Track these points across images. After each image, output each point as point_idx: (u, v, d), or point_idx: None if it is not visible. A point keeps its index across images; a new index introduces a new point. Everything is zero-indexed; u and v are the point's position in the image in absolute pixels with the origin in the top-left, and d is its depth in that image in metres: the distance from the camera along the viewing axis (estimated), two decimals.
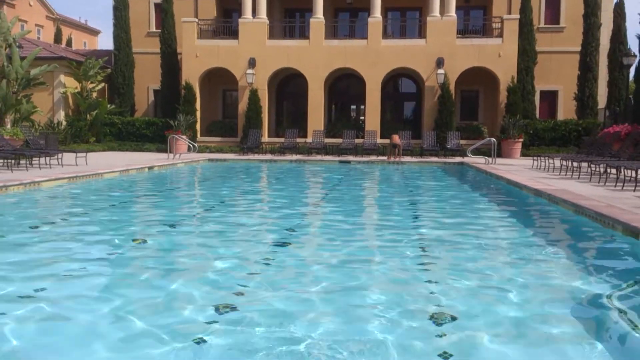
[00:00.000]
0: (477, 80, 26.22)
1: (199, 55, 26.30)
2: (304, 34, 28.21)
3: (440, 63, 24.86)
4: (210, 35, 27.94)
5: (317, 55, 25.70)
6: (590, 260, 6.51)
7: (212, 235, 7.79)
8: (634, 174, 12.12)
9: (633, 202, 9.24)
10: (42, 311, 4.31)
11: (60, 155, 16.58)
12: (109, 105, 27.27)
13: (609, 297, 4.73)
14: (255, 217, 9.61)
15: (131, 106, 28.51)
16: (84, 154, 17.73)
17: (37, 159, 15.84)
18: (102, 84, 28.41)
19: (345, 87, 29.46)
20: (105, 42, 46.00)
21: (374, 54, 25.43)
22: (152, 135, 26.78)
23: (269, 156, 23.48)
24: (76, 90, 27.25)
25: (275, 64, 26.12)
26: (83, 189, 12.43)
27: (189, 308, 4.43)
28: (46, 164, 15.78)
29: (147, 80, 29.43)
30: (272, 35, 27.19)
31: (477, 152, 22.14)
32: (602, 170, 13.63)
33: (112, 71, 28.18)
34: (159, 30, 27.95)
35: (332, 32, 27.69)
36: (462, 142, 24.11)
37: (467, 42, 25.38)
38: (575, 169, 14.86)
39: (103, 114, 26.79)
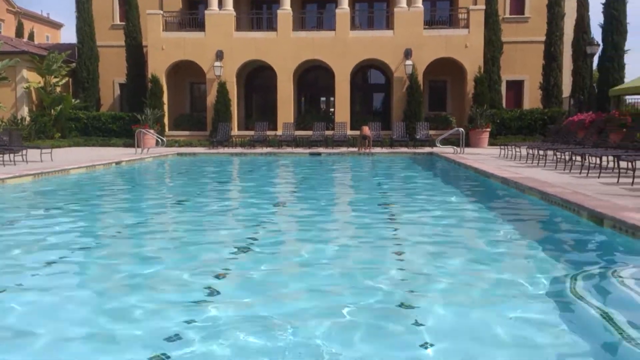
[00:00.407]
0: (445, 70, 26.43)
1: (164, 48, 25.96)
2: (271, 25, 28.05)
3: (408, 54, 24.99)
4: (176, 27, 27.59)
5: (285, 47, 25.59)
6: (555, 245, 6.63)
7: (180, 230, 7.71)
8: (598, 161, 12.37)
9: (597, 189, 9.43)
10: None
11: (24, 151, 16.22)
12: (73, 100, 26.73)
13: (572, 279, 4.82)
14: (225, 211, 9.54)
15: (96, 100, 28.03)
16: (49, 150, 17.37)
17: (1, 155, 15.47)
18: (66, 79, 27.85)
19: (314, 79, 29.42)
20: (69, 35, 45.10)
21: (342, 46, 25.43)
22: (118, 130, 26.37)
23: (239, 149, 23.34)
24: (39, 85, 26.68)
25: (243, 56, 25.93)
26: (48, 185, 12.18)
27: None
28: (10, 161, 15.42)
29: (112, 74, 28.95)
30: (239, 27, 26.98)
31: (446, 142, 22.36)
32: (567, 157, 13.88)
33: (76, 65, 27.64)
34: (124, 23, 27.51)
35: (300, 23, 27.59)
36: (431, 132, 24.30)
37: (435, 33, 25.55)
38: (541, 157, 15.11)
39: (68, 109, 26.27)
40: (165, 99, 26.14)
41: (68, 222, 8.14)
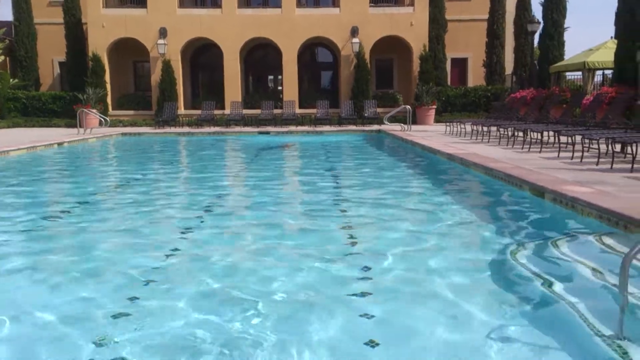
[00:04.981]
0: (391, 49, 26.57)
1: (105, 25, 25.13)
2: (216, 2, 27.49)
3: (354, 32, 25.00)
4: (117, 3, 26.72)
5: (230, 24, 25.18)
6: (498, 218, 6.84)
7: (127, 212, 7.57)
8: (539, 136, 12.75)
9: (539, 163, 9.73)
10: None
11: None
12: (11, 80, 25.65)
13: (513, 252, 4.99)
14: (173, 192, 9.42)
15: (35, 80, 27.00)
16: None
17: None
18: (2, 57, 26.66)
19: (261, 57, 29.08)
20: (5, 13, 43.10)
21: (289, 24, 25.21)
22: (60, 110, 25.51)
23: (186, 129, 22.98)
24: None
25: (188, 34, 25.39)
26: None
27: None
28: None
29: (51, 53, 27.90)
30: (182, 4, 26.33)
31: (394, 119, 22.57)
32: (510, 133, 14.25)
33: (13, 43, 26.49)
34: None
35: (245, 1, 27.16)
36: (379, 110, 24.47)
37: (380, 10, 25.60)
38: (485, 133, 15.46)
39: (6, 89, 25.19)
40: (107, 77, 25.38)
41: (9, 203, 7.87)
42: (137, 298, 4.02)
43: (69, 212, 7.35)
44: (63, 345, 3.34)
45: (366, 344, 3.23)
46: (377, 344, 3.23)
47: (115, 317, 3.66)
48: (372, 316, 3.65)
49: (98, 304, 3.96)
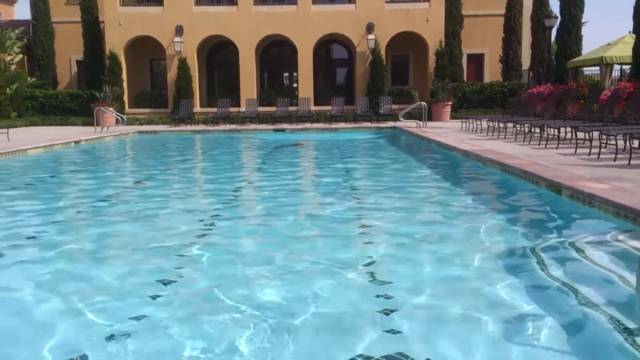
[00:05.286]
0: (407, 45, 26.46)
1: (122, 24, 25.32)
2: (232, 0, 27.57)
3: (370, 28, 24.94)
4: (134, 2, 26.86)
5: (246, 21, 25.24)
6: (515, 215, 6.79)
7: (145, 211, 7.64)
8: (556, 132, 12.64)
9: (556, 159, 9.65)
10: None
11: None
12: (29, 78, 25.93)
13: (532, 248, 4.96)
14: (186, 193, 9.48)
15: (53, 78, 27.28)
16: (5, 130, 16.87)
17: None
18: (20, 56, 26.96)
19: (277, 54, 29.12)
20: (23, 11, 43.76)
21: (304, 20, 25.22)
22: (77, 108, 25.75)
23: (201, 127, 23.09)
24: None
25: (204, 32, 25.50)
26: (5, 166, 11.88)
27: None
28: None
29: (69, 51, 28.18)
30: (198, 2, 26.39)
31: (409, 116, 22.50)
32: (526, 129, 14.14)
33: (31, 42, 26.78)
34: None
35: None
36: (394, 106, 24.39)
37: (396, 6, 25.50)
38: (501, 129, 15.35)
39: (24, 88, 25.48)
40: (124, 76, 25.58)
41: (29, 203, 7.98)
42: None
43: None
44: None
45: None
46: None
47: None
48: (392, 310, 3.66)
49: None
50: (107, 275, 4.57)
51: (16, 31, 25.99)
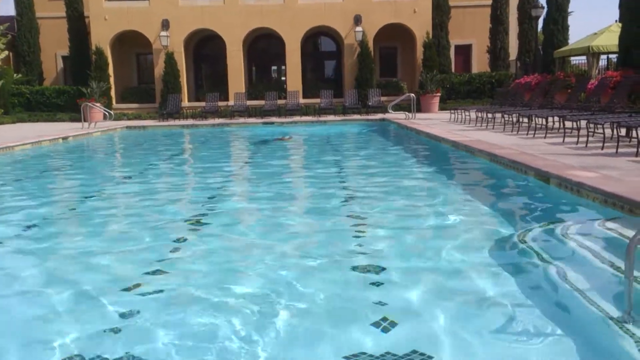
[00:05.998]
0: (395, 36, 26.45)
1: (107, 18, 25.11)
2: None
3: (357, 20, 24.89)
4: None
5: (233, 15, 25.11)
6: (504, 204, 6.85)
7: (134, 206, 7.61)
8: (544, 122, 12.70)
9: (544, 149, 9.70)
10: None
11: None
12: (15, 75, 25.68)
13: (520, 236, 5.00)
14: (177, 187, 9.45)
15: (39, 74, 27.06)
16: None
17: None
18: (5, 52, 26.68)
19: (264, 47, 28.99)
20: (6, 7, 43.08)
21: (292, 13, 25.13)
22: (64, 104, 25.54)
23: (190, 121, 23.00)
24: None
25: (190, 25, 25.34)
26: None
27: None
28: None
29: (54, 47, 27.94)
30: None
31: (398, 107, 22.52)
32: (514, 119, 14.19)
33: (16, 38, 26.51)
34: None
35: None
36: (383, 98, 24.40)
37: None
38: (490, 119, 15.41)
39: (10, 84, 25.22)
40: (110, 71, 25.40)
41: (16, 200, 7.92)
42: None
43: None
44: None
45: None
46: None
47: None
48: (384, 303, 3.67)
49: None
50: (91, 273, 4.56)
51: (1, 27, 25.72)
